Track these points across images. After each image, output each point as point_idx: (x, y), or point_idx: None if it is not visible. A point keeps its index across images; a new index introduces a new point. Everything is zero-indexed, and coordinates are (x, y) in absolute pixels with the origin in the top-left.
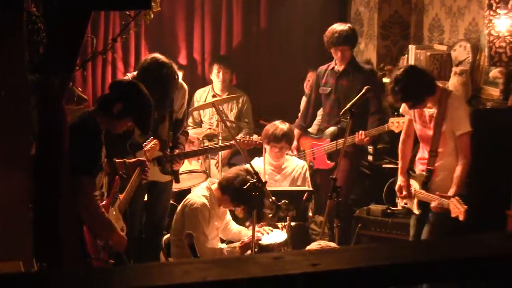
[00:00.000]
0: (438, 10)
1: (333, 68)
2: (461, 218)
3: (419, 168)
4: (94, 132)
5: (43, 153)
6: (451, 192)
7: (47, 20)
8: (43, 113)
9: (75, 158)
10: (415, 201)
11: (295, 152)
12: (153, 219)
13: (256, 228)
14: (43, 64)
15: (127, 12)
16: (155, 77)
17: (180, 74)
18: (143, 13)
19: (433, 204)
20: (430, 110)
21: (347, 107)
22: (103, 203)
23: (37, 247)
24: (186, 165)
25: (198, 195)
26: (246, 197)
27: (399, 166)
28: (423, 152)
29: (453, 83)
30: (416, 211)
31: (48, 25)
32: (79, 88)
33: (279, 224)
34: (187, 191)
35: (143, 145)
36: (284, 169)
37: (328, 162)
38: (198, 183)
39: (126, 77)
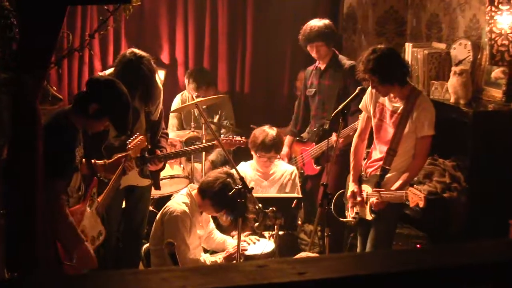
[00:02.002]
0: (436, 6)
1: (317, 67)
2: (421, 204)
3: (368, 171)
4: (67, 131)
5: (16, 156)
6: (394, 187)
7: (21, 14)
8: (16, 114)
9: (47, 159)
10: (368, 206)
11: (286, 160)
12: (132, 227)
13: (242, 237)
14: (15, 62)
15: (105, 7)
16: (135, 73)
17: (161, 73)
18: (123, 7)
19: (373, 200)
20: (394, 105)
21: (339, 108)
22: (78, 205)
23: (9, 255)
24: (168, 170)
25: (178, 202)
26: (227, 200)
27: (352, 172)
28: (375, 153)
29: (453, 83)
30: (369, 216)
31: (21, 20)
32: (54, 87)
33: (266, 233)
34: (168, 197)
35: (128, 142)
36: (272, 175)
37: (315, 166)
38: (180, 189)
39: (102, 74)
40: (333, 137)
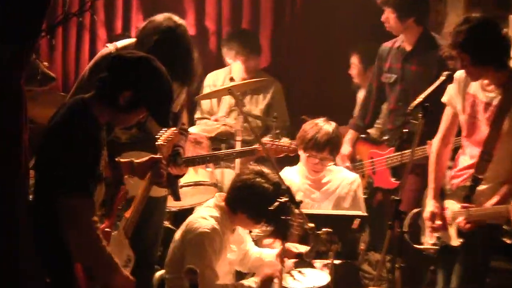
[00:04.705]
0: None
1: (399, 46)
2: None
3: (454, 183)
4: (90, 129)
5: None
6: (490, 203)
7: None
8: None
9: (62, 169)
10: (453, 228)
11: (347, 162)
12: (141, 248)
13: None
14: None
15: None
16: (175, 46)
17: None
18: None
19: (460, 220)
20: (489, 95)
21: (417, 101)
22: (103, 225)
23: None
24: (190, 175)
25: (204, 216)
26: (267, 208)
27: (431, 186)
28: (464, 159)
29: None
30: (455, 241)
31: None
32: (45, 63)
33: (318, 263)
34: (190, 210)
35: (157, 136)
36: (326, 184)
37: (393, 180)
38: (205, 200)
39: (107, 49)
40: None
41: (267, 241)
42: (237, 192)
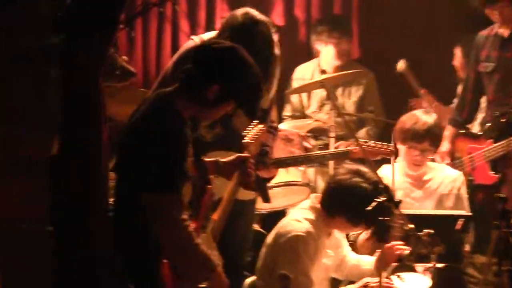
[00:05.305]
0: None
1: (496, 33)
2: None
3: None
4: (175, 125)
5: (69, 152)
6: None
7: None
8: (70, 93)
9: (148, 167)
10: None
11: (447, 160)
12: (228, 254)
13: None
14: (70, 21)
15: None
16: (248, 42)
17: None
18: None
19: None
20: None
21: None
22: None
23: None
24: (281, 175)
25: (298, 219)
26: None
27: None
28: None
29: None
30: None
31: None
32: (124, 57)
33: (419, 266)
34: (282, 213)
35: (243, 134)
36: (427, 183)
37: (491, 173)
38: (298, 202)
39: (192, 42)
40: None
41: (362, 237)
42: (334, 195)
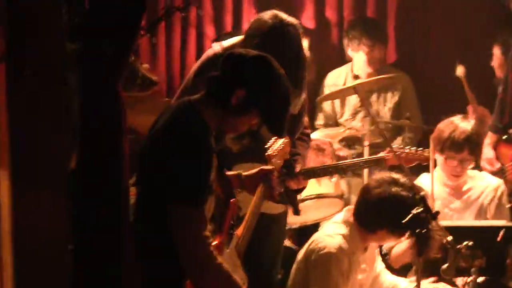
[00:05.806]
0: None
1: None
2: None
3: None
4: (200, 134)
5: (89, 164)
6: None
7: None
8: (89, 102)
9: (171, 179)
10: None
11: (488, 167)
12: (258, 271)
13: (424, 285)
14: (88, 26)
15: None
16: (278, 47)
17: (304, 43)
18: None
19: None
20: None
21: None
22: (215, 242)
23: None
24: (313, 187)
25: (330, 234)
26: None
27: None
28: None
29: None
30: None
31: None
32: (146, 65)
33: (459, 280)
34: (314, 227)
35: (266, 146)
36: (467, 192)
37: None
38: (331, 215)
39: (213, 49)
40: None
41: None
42: (372, 209)
